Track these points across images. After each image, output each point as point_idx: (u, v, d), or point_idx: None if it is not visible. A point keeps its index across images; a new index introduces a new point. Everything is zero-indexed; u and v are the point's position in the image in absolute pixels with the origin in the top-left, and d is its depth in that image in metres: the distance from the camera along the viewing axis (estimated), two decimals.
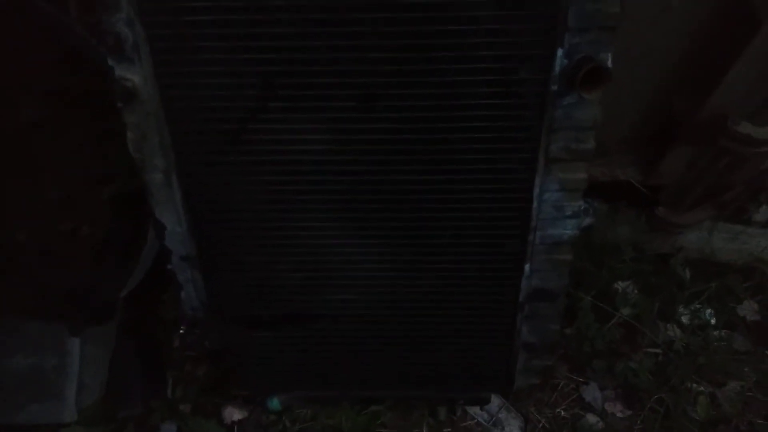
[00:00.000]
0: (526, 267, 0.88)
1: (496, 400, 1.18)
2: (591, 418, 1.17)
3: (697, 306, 1.27)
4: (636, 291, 1.26)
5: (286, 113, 0.75)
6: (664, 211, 1.22)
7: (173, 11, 0.68)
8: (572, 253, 0.88)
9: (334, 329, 0.92)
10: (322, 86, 0.73)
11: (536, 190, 0.81)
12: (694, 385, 1.18)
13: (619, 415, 1.17)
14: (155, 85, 0.73)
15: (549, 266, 0.89)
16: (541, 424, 1.16)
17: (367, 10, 0.68)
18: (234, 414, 1.15)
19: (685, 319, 1.26)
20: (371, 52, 0.71)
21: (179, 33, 0.70)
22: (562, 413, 1.18)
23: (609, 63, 0.70)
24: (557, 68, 0.71)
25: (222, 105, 0.74)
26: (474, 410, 1.18)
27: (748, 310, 1.26)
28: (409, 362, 0.98)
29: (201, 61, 0.71)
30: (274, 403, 1.10)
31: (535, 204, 0.82)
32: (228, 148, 0.77)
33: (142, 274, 1.10)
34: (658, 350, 1.22)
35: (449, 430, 1.16)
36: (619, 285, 1.25)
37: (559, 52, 0.70)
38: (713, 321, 1.26)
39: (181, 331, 0.93)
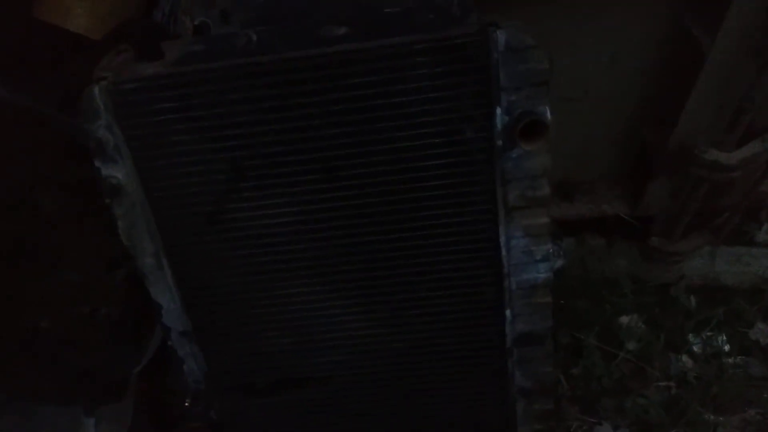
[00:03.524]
0: (507, 312, 0.90)
1: None
2: None
3: (708, 334, 1.24)
4: (641, 324, 1.25)
5: (256, 191, 0.81)
6: (658, 241, 1.23)
7: (146, 113, 0.77)
8: (551, 295, 0.90)
9: (325, 391, 0.95)
10: (285, 164, 0.79)
11: (502, 238, 0.84)
12: (712, 416, 1.15)
13: None
14: (137, 179, 0.81)
15: (530, 310, 0.90)
16: None
17: (319, 93, 0.75)
18: None
19: (697, 348, 1.24)
20: (326, 128, 0.77)
21: (153, 132, 0.78)
22: None
23: (548, 115, 0.75)
24: (499, 125, 0.75)
25: (198, 190, 0.81)
26: None
27: (761, 333, 1.22)
28: (405, 420, 1.00)
29: (175, 153, 0.79)
30: None
31: (503, 252, 0.85)
32: (207, 229, 0.84)
33: (155, 349, 1.16)
34: (670, 383, 1.20)
35: None
36: (623, 319, 1.24)
37: (498, 110, 0.75)
38: (726, 348, 1.23)
39: (186, 404, 0.98)
